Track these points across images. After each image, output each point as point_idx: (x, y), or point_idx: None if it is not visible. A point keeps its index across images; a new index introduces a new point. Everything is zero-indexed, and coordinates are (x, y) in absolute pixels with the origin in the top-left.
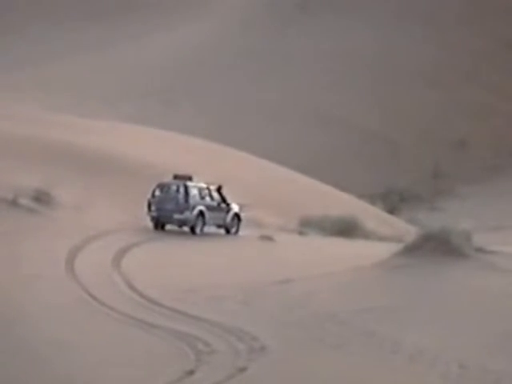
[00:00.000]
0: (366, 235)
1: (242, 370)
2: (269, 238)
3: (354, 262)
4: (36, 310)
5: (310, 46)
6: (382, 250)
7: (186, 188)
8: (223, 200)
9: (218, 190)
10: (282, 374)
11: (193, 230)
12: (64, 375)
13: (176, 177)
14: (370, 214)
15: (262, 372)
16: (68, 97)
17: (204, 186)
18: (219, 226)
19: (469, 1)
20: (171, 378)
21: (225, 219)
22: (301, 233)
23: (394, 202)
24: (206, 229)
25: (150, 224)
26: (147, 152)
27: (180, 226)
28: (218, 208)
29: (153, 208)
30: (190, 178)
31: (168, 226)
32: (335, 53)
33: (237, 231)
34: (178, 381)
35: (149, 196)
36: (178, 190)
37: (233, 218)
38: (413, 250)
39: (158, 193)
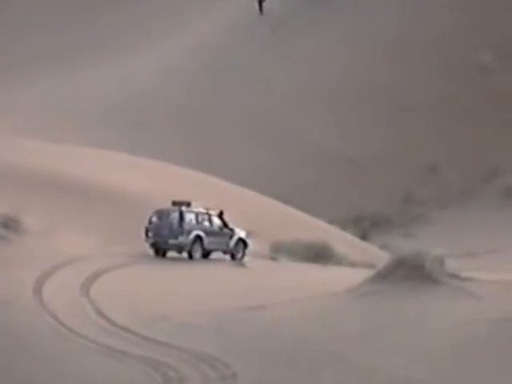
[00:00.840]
0: (338, 261)
1: None
2: (241, 264)
3: (326, 288)
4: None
5: (281, 66)
6: (355, 276)
7: (181, 213)
8: (225, 225)
9: (220, 215)
10: None
11: (190, 255)
12: None
13: (174, 203)
14: (342, 240)
15: None
16: (36, 122)
17: (203, 211)
18: (224, 252)
19: (438, 25)
20: None
21: (228, 244)
22: (273, 258)
23: (365, 227)
24: (215, 255)
25: (151, 251)
26: (116, 177)
27: (179, 252)
28: (219, 233)
29: (150, 234)
30: (188, 204)
31: (170, 253)
32: (304, 74)
33: (242, 256)
34: None
35: (146, 223)
36: (172, 216)
37: (237, 244)
38: (385, 275)
39: (154, 219)
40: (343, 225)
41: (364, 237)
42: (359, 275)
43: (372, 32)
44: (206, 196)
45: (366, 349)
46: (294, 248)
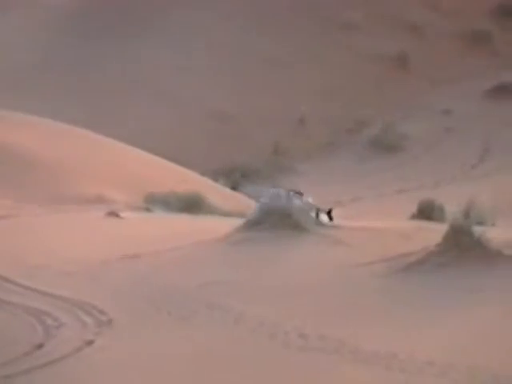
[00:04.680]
0: (211, 211)
1: (90, 342)
2: (116, 215)
3: (198, 237)
4: None
5: (161, 27)
6: (226, 225)
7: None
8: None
9: (329, 212)
10: (130, 345)
11: None
12: None
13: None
14: (214, 190)
15: (110, 344)
16: None
17: (311, 203)
18: None
19: None
20: (19, 352)
21: None
22: (147, 209)
23: (236, 178)
24: None
25: None
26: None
27: None
28: None
29: None
30: (301, 194)
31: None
32: (181, 33)
33: None
34: (26, 355)
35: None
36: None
37: None
38: (254, 224)
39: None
40: (215, 176)
41: (235, 188)
42: (230, 224)
43: None
44: (80, 148)
45: (236, 295)
46: (168, 199)
